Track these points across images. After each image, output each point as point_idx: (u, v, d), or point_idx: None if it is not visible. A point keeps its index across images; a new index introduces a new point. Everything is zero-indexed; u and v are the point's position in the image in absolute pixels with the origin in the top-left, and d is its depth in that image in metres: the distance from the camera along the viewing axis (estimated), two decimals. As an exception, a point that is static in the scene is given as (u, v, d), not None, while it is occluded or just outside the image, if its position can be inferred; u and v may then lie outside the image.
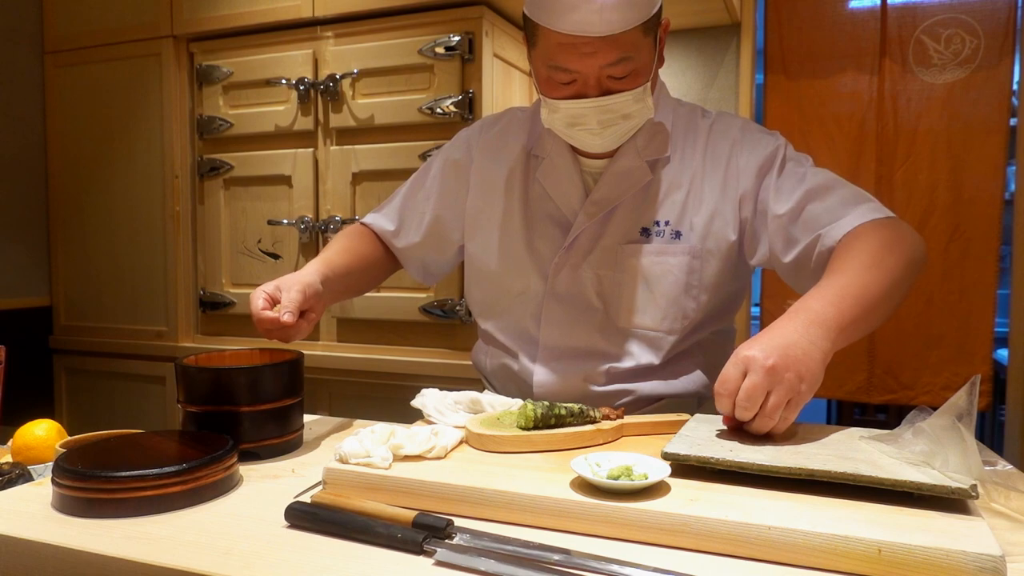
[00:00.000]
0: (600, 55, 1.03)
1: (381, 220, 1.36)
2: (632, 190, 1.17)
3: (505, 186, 1.25)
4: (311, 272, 1.16)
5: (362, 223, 1.39)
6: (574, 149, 1.20)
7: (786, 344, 0.86)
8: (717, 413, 0.92)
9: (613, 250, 1.18)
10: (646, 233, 1.17)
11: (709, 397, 1.24)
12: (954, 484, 0.72)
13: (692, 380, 1.22)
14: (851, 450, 0.84)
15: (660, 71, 1.16)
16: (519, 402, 1.02)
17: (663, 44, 1.13)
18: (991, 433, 3.07)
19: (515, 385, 1.25)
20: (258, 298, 1.09)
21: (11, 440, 1.13)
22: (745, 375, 0.85)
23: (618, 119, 1.09)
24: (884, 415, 3.85)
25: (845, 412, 3.99)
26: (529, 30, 1.10)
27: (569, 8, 1.01)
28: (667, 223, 1.17)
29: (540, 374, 1.20)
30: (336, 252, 1.28)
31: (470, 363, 1.42)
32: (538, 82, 1.13)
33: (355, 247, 1.32)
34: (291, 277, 1.13)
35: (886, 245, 1.00)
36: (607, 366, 1.19)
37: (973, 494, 0.72)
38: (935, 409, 0.84)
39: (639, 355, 1.19)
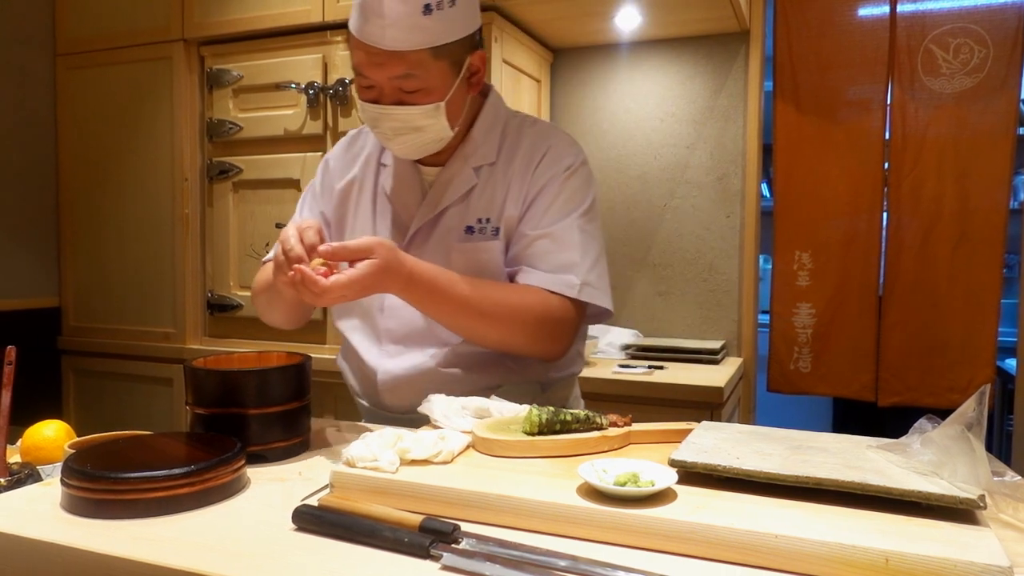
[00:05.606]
0: (387, 67, 1.12)
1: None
2: (458, 194, 1.26)
3: (357, 193, 1.34)
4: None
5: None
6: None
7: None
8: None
9: (444, 247, 1.26)
10: (470, 231, 1.26)
11: (552, 383, 1.31)
12: (962, 494, 0.72)
13: (529, 367, 1.27)
14: (859, 459, 0.84)
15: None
16: (527, 407, 1.02)
17: (479, 73, 1.21)
18: (1000, 443, 3.05)
19: (369, 381, 1.30)
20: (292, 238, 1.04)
21: (20, 440, 1.14)
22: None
23: (409, 130, 1.17)
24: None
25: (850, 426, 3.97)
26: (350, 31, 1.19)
27: (365, 19, 1.10)
28: (488, 220, 1.25)
29: (385, 361, 1.26)
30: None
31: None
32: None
33: None
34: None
35: (511, 307, 1.18)
36: (446, 349, 1.24)
37: (981, 504, 0.72)
38: (943, 419, 0.84)
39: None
